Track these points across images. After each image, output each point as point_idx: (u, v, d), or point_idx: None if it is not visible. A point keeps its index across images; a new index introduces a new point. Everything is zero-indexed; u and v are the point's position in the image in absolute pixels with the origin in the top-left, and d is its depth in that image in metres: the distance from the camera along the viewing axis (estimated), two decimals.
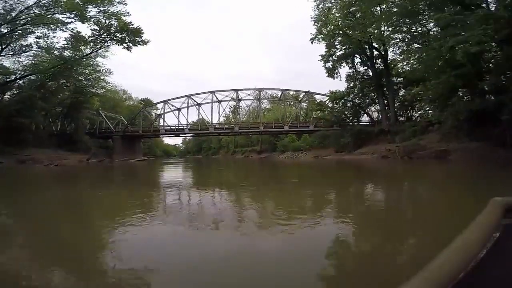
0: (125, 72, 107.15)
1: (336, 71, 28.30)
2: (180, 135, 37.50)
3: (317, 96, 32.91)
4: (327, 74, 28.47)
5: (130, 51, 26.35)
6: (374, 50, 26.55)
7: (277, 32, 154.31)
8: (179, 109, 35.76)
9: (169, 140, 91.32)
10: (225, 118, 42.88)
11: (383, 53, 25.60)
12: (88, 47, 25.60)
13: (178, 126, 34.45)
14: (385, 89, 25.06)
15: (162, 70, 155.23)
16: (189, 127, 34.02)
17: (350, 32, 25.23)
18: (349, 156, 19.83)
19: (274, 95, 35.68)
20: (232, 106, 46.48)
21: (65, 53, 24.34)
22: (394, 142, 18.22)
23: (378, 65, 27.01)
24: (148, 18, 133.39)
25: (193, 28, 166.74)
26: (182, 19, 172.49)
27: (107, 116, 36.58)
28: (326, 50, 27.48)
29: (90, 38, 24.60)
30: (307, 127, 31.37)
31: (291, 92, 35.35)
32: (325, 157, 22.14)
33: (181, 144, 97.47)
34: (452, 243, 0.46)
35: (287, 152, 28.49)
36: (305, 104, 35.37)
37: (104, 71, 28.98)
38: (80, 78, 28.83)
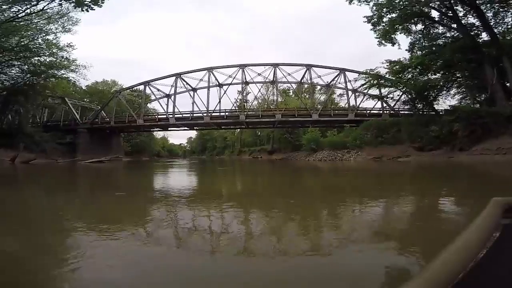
0: (126, 73, 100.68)
1: (394, 35, 19.07)
2: (169, 128, 28.62)
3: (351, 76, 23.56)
4: (378, 41, 19.29)
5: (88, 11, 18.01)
6: (460, 5, 17.13)
7: (284, 31, 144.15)
8: (168, 95, 26.90)
9: (174, 140, 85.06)
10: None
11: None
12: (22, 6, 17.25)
13: (167, 114, 25.46)
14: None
15: (163, 70, 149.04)
16: (176, 116, 24.91)
17: None
18: (467, 156, 10.17)
19: (291, 84, 26.49)
20: (238, 100, 37.32)
21: None
22: None
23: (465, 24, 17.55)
24: (149, 18, 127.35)
25: (199, 29, 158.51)
26: (187, 20, 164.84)
27: (77, 105, 28.15)
28: (375, 10, 18.50)
29: None
30: (345, 115, 21.86)
31: (317, 71, 25.67)
32: (398, 159, 12.64)
33: (186, 144, 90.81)
34: (452, 243, 0.45)
35: (322, 151, 18.63)
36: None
37: (58, 43, 20.42)
38: (28, 54, 20.45)
